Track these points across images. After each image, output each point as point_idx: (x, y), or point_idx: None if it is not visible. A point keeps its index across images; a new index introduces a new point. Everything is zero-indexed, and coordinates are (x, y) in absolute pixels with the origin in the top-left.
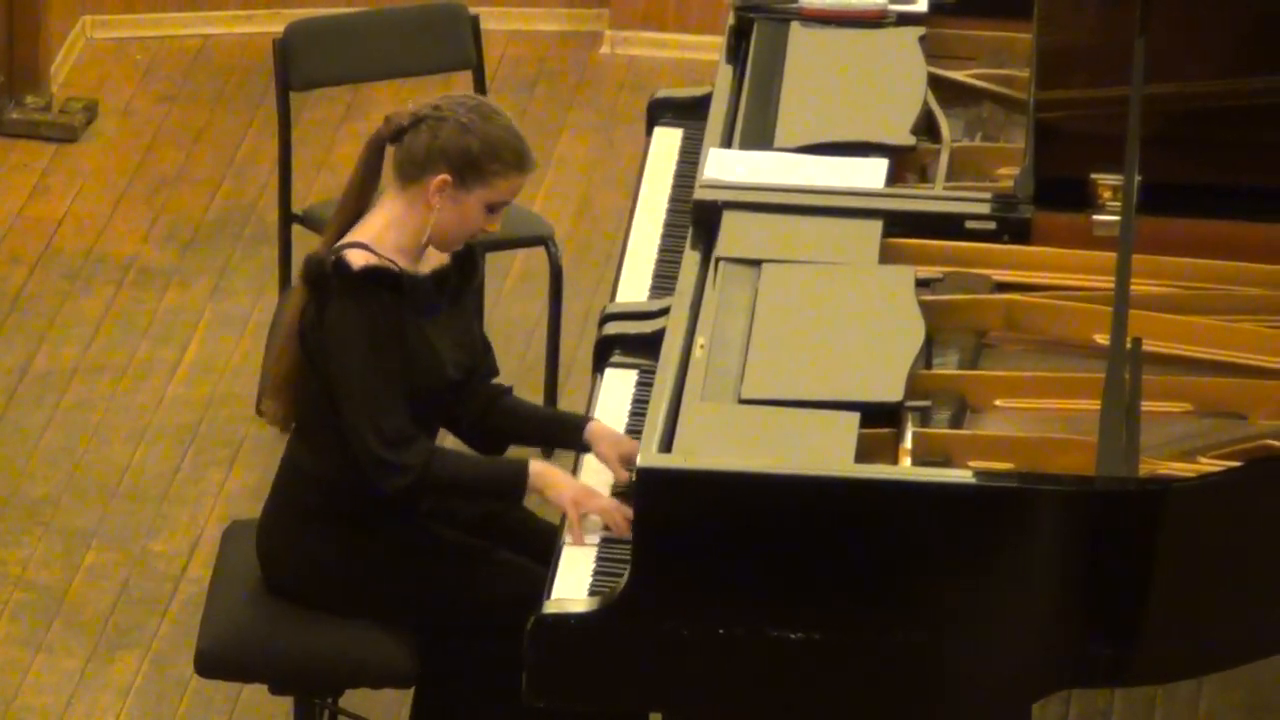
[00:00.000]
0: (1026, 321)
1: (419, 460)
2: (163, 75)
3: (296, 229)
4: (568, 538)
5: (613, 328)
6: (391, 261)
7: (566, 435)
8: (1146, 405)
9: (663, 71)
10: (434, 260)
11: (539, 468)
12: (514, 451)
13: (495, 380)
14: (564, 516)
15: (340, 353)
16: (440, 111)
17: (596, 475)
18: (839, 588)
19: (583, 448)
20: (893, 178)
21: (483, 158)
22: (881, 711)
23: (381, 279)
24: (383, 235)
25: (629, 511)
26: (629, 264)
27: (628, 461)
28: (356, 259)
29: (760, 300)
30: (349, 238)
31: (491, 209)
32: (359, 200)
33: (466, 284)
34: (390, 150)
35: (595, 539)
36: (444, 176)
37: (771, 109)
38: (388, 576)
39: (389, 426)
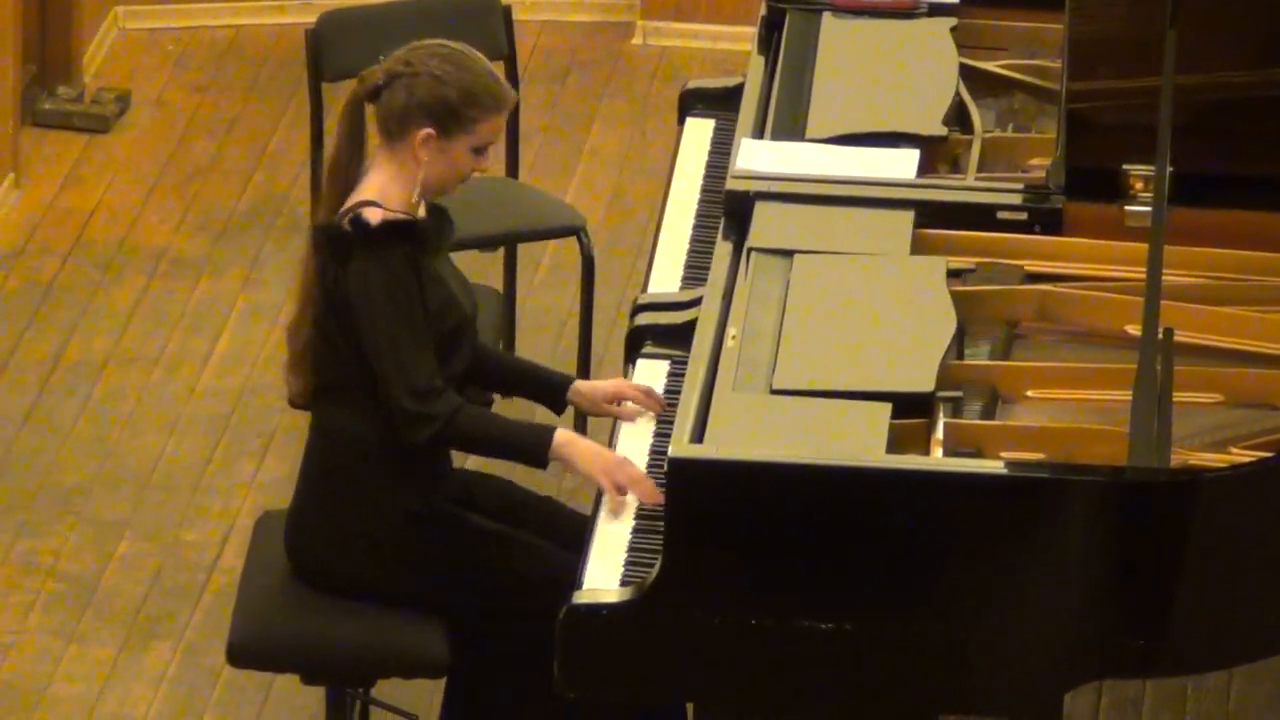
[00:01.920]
0: (1058, 312)
1: (446, 410)
2: (195, 66)
3: None
4: (603, 513)
5: (644, 318)
6: (405, 214)
7: (548, 392)
8: (1178, 396)
9: (695, 62)
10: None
11: (566, 436)
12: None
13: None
14: (595, 506)
15: (365, 310)
16: (413, 67)
17: (631, 447)
18: (870, 578)
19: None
20: (924, 168)
21: (462, 106)
22: (913, 701)
23: (399, 231)
24: (384, 193)
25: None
26: (661, 254)
27: (612, 398)
28: (373, 215)
29: (792, 291)
30: (354, 199)
31: (478, 151)
32: (351, 165)
33: (447, 228)
34: (370, 109)
35: (628, 525)
36: (427, 130)
37: (803, 100)
38: (416, 560)
39: (417, 378)
